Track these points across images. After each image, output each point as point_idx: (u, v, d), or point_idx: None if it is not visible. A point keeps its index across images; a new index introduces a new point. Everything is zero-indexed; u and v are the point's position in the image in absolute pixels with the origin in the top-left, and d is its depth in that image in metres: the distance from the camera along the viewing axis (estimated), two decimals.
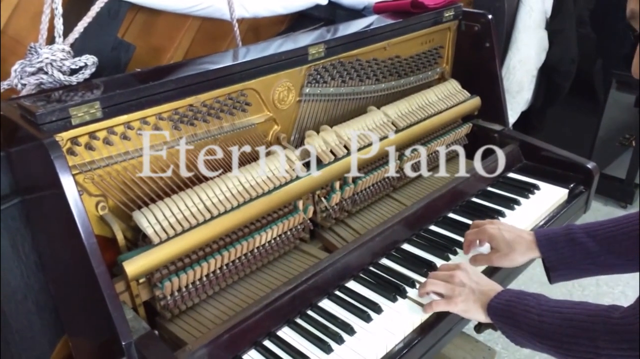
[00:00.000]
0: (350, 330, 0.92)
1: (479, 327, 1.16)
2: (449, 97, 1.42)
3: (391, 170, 1.27)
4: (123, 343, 0.77)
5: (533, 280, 2.17)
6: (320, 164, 1.11)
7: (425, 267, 1.07)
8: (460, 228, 1.19)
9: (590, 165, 1.36)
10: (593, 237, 0.98)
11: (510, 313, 0.87)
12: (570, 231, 1.00)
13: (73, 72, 0.91)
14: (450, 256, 1.11)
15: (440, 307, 0.95)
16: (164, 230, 0.88)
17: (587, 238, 0.98)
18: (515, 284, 2.11)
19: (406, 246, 1.15)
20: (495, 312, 0.89)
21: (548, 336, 0.82)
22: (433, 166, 1.45)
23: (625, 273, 0.99)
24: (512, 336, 0.88)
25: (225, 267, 0.99)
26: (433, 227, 1.21)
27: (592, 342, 0.78)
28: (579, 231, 0.99)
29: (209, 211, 0.93)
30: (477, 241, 1.11)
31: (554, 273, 1.02)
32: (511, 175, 1.41)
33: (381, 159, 1.26)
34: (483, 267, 1.10)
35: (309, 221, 1.12)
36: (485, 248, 1.11)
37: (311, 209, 1.11)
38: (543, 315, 0.83)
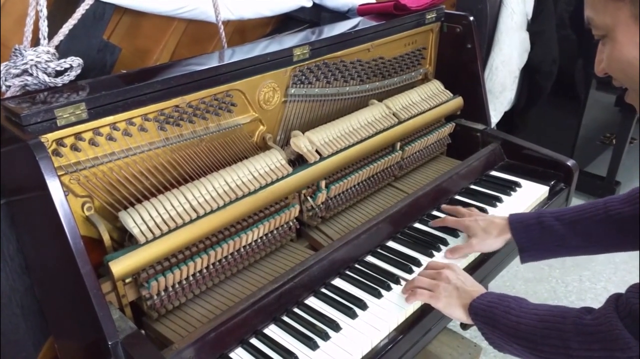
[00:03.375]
0: (336, 327, 0.93)
1: (465, 324, 1.18)
2: (432, 97, 1.44)
3: (373, 170, 1.29)
4: (109, 343, 0.77)
5: (517, 277, 2.21)
6: (305, 163, 1.13)
7: (410, 264, 1.08)
8: (445, 226, 1.21)
9: (570, 163, 1.39)
10: (561, 221, 1.05)
11: (491, 313, 0.88)
12: (541, 214, 1.08)
13: (58, 74, 0.91)
14: (434, 252, 1.13)
15: (423, 298, 0.96)
16: (150, 230, 0.88)
17: (555, 221, 1.05)
18: (500, 281, 2.16)
19: (391, 244, 1.16)
20: (476, 312, 0.90)
21: (523, 337, 0.84)
22: (417, 165, 1.47)
23: (587, 254, 1.08)
24: (490, 337, 0.90)
25: (211, 266, 1.00)
26: (417, 225, 1.23)
27: (563, 342, 0.79)
28: (548, 214, 1.07)
29: (195, 210, 0.93)
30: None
31: (524, 252, 1.08)
32: (493, 173, 1.43)
33: (363, 160, 1.28)
34: (468, 263, 1.12)
35: (295, 220, 1.13)
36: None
37: (297, 208, 1.12)
38: (521, 316, 0.85)
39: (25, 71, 0.88)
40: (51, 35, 0.92)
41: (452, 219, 1.18)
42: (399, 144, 1.36)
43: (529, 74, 2.42)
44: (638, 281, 0.76)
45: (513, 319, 0.85)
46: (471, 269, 1.13)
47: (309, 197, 1.16)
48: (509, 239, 1.11)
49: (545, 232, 1.05)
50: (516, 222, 1.09)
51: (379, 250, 1.14)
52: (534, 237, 1.06)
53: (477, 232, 1.12)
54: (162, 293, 0.93)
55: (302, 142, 1.13)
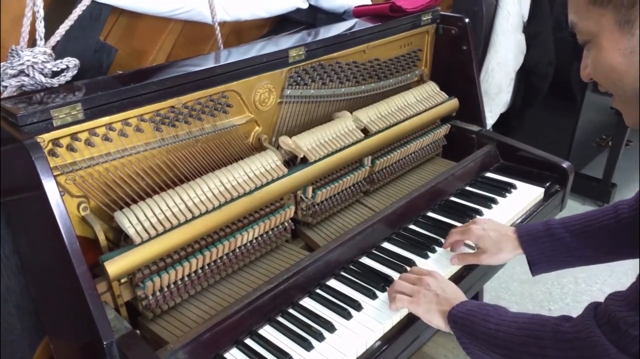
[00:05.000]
0: (330, 327, 0.93)
1: None
2: (427, 98, 1.45)
3: (367, 172, 1.30)
4: (104, 343, 0.78)
5: (513, 278, 2.21)
6: (301, 164, 1.13)
7: (405, 266, 1.09)
8: (440, 227, 1.22)
9: (565, 164, 1.40)
10: (570, 232, 1.02)
11: (470, 321, 0.87)
12: (550, 226, 1.05)
13: (55, 74, 0.91)
14: (429, 254, 1.14)
15: (403, 303, 0.96)
16: (146, 230, 0.89)
17: (565, 233, 1.03)
18: (496, 283, 2.17)
19: (386, 245, 1.17)
20: (455, 320, 0.90)
21: (502, 345, 0.83)
22: (413, 166, 1.48)
23: (599, 264, 1.04)
24: (468, 346, 0.89)
25: (207, 267, 1.00)
26: (412, 226, 1.23)
27: (541, 350, 0.79)
28: (558, 225, 1.04)
29: (190, 211, 0.94)
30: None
31: (535, 266, 1.06)
32: (489, 175, 1.44)
33: (356, 162, 1.29)
34: (452, 273, 1.11)
35: (290, 221, 1.14)
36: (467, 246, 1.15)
37: (292, 208, 1.12)
38: (500, 324, 0.84)
39: (21, 72, 0.89)
40: (48, 36, 0.93)
41: (458, 230, 1.12)
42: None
43: (525, 76, 2.43)
44: (618, 290, 0.76)
45: (492, 327, 0.85)
46: (466, 269, 1.13)
47: (304, 197, 1.17)
48: (520, 253, 1.07)
49: (556, 245, 1.02)
50: (526, 236, 1.06)
51: (374, 251, 1.14)
52: (546, 251, 1.03)
53: (487, 246, 1.07)
54: (158, 293, 0.94)
55: (302, 142, 1.13)
